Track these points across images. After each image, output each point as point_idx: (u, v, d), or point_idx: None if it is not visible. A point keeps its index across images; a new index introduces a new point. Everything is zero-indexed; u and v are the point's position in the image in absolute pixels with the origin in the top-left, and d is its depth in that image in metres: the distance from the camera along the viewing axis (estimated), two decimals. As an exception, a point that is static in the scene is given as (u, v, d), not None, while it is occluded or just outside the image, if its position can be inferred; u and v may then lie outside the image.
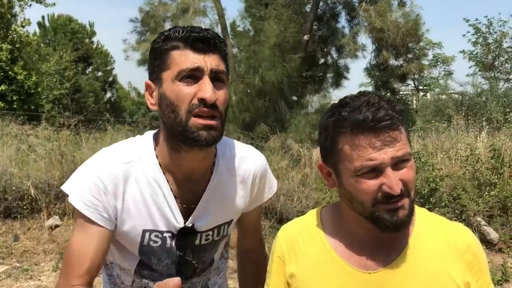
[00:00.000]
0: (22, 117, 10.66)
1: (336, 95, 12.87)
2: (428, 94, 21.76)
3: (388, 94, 13.51)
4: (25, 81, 15.72)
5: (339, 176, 1.13)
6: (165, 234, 1.31)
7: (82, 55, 25.17)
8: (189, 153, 1.24)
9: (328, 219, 1.26)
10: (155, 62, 1.23)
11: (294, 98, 11.75)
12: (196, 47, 1.19)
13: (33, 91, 16.17)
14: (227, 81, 1.25)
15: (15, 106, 14.98)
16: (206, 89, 1.16)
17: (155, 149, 1.30)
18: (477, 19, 18.24)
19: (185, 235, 1.33)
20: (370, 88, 16.84)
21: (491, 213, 5.74)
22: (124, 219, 1.28)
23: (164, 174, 1.29)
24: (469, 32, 17.87)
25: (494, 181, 5.97)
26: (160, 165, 1.29)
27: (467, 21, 17.70)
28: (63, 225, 5.99)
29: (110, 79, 28.00)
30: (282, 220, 5.80)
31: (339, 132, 1.09)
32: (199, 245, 1.38)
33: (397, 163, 1.06)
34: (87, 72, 26.56)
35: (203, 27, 1.28)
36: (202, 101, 1.16)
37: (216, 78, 1.20)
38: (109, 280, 1.47)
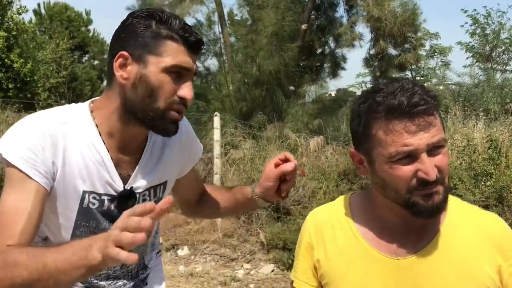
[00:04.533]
0: (18, 105, 10.62)
1: (333, 85, 12.86)
2: (425, 85, 21.71)
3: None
4: (21, 69, 15.64)
5: (372, 163, 1.12)
6: (103, 197, 1.32)
7: (78, 44, 25.04)
8: (136, 127, 1.30)
9: (357, 205, 1.26)
10: (140, 38, 1.23)
11: (292, 87, 11.72)
12: (191, 49, 1.25)
13: (29, 79, 16.09)
14: None
15: (11, 94, 14.90)
16: (190, 91, 1.25)
17: (93, 116, 1.31)
18: (475, 10, 18.23)
19: (124, 198, 1.35)
20: (368, 78, 16.84)
21: (487, 203, 5.76)
22: (64, 177, 1.25)
23: (103, 140, 1.30)
24: (467, 23, 17.81)
25: (491, 172, 5.98)
26: (99, 132, 1.30)
27: (465, 11, 17.69)
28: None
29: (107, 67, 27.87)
30: (278, 209, 5.81)
31: (373, 118, 1.07)
32: None
33: (432, 149, 1.05)
34: (83, 60, 26.43)
35: (190, 18, 1.32)
36: (182, 99, 1.25)
37: (192, 79, 1.29)
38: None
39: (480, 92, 13.30)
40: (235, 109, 10.82)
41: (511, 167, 6.21)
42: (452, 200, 1.20)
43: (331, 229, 1.25)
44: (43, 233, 1.36)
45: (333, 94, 19.89)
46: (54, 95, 18.04)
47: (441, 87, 17.49)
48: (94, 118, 1.31)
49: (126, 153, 1.35)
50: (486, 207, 5.76)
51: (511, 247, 1.14)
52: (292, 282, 1.34)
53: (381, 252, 1.15)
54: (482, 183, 5.95)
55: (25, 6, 16.57)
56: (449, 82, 18.42)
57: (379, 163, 1.09)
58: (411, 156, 1.04)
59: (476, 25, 17.57)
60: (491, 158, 6.22)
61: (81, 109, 1.33)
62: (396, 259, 1.14)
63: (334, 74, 12.83)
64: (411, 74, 20.04)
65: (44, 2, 25.28)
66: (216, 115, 6.82)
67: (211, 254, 5.40)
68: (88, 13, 26.61)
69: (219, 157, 6.53)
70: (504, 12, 17.51)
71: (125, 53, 1.23)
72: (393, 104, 1.03)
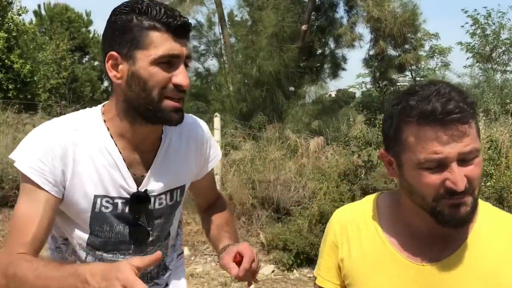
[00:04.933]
0: (18, 106, 10.62)
1: (333, 85, 12.87)
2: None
3: (386, 84, 13.52)
4: (21, 69, 15.64)
5: (401, 167, 1.10)
6: (116, 200, 1.32)
7: (78, 44, 25.06)
8: (144, 126, 1.29)
9: (384, 206, 1.23)
10: (125, 35, 1.22)
11: (292, 88, 11.72)
12: (176, 34, 1.22)
13: (29, 80, 16.09)
14: None
15: (11, 95, 14.91)
16: (183, 76, 1.23)
17: (104, 119, 1.32)
18: (475, 10, 18.23)
19: (138, 200, 1.34)
20: (368, 79, 16.83)
21: (487, 204, 5.76)
22: (74, 185, 1.27)
23: (115, 143, 1.31)
24: (467, 23, 17.81)
25: (491, 172, 5.98)
26: (111, 134, 1.31)
27: (466, 12, 17.68)
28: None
29: (107, 68, 27.85)
30: (278, 210, 5.81)
31: (405, 122, 1.04)
32: (153, 210, 1.39)
33: (464, 159, 1.01)
34: (83, 61, 26.44)
35: (190, 19, 1.31)
36: (178, 86, 1.23)
37: (185, 63, 1.26)
38: (57, 254, 1.45)
39: (480, 93, 13.31)
40: (235, 110, 10.83)
41: (511, 168, 6.21)
42: (483, 206, 1.16)
43: (356, 229, 1.23)
44: (64, 234, 1.39)
45: (333, 94, 19.91)
46: (54, 96, 18.05)
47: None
48: (105, 121, 1.32)
49: (140, 153, 1.34)
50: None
51: None
52: (315, 278, 1.33)
53: (406, 257, 1.14)
54: (482, 184, 5.95)
55: (26, 7, 16.61)
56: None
57: (408, 168, 1.07)
58: (441, 165, 1.01)
59: (477, 25, 17.57)
60: (491, 158, 6.22)
61: (93, 113, 1.34)
62: (421, 265, 1.12)
63: (334, 74, 12.84)
64: (411, 74, 20.04)
65: (44, 3, 25.33)
66: (216, 116, 6.82)
67: (211, 255, 5.39)
68: (88, 14, 26.67)
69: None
70: (504, 12, 17.53)
71: (114, 53, 1.23)
72: (427, 109, 1.00)
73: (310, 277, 4.87)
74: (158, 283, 1.53)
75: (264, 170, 6.31)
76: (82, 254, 1.39)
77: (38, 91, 17.38)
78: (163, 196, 1.40)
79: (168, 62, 1.22)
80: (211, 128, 7.16)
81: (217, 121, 6.69)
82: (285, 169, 6.32)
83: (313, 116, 11.25)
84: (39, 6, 25.14)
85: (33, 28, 18.71)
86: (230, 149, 7.61)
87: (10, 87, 15.52)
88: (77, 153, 1.27)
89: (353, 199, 5.22)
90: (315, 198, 5.44)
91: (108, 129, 1.31)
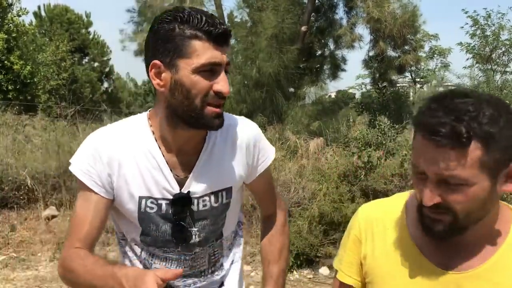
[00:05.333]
0: (18, 107, 10.63)
1: (333, 86, 12.87)
2: (425, 86, 21.74)
3: (386, 85, 13.53)
4: (21, 71, 15.65)
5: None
6: (160, 201, 1.39)
7: (78, 46, 25.07)
8: (186, 130, 1.34)
9: (412, 205, 1.19)
10: (168, 44, 1.25)
11: (291, 89, 11.72)
12: (217, 42, 1.25)
13: (29, 81, 16.11)
14: None
15: (11, 96, 14.92)
16: (224, 84, 1.26)
17: (150, 124, 1.39)
18: (475, 11, 18.23)
19: (181, 201, 1.39)
20: (368, 80, 16.83)
21: (487, 205, 5.76)
22: (121, 187, 1.37)
23: (159, 146, 1.38)
24: (467, 24, 17.81)
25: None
26: (155, 138, 1.38)
27: (466, 12, 17.66)
28: (60, 215, 5.99)
29: (107, 69, 27.88)
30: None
31: (414, 124, 1.04)
32: (197, 211, 1.43)
33: (446, 182, 0.98)
34: (83, 62, 26.45)
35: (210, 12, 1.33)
36: (219, 93, 1.26)
37: (226, 70, 1.29)
38: (124, 257, 1.55)
39: (480, 94, 13.30)
40: (235, 111, 10.82)
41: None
42: None
43: (382, 228, 1.21)
44: (121, 230, 1.50)
45: (333, 95, 19.90)
46: (54, 97, 18.05)
47: (440, 89, 17.50)
48: (150, 125, 1.39)
49: (183, 155, 1.39)
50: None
51: None
52: (336, 272, 1.31)
53: (431, 262, 1.11)
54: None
55: (25, 8, 16.65)
56: (449, 84, 18.43)
57: (412, 173, 1.08)
58: (422, 177, 1.02)
59: (476, 26, 17.57)
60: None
61: (140, 118, 1.42)
62: (445, 271, 1.09)
63: (334, 75, 12.86)
64: (411, 75, 20.05)
65: (44, 4, 25.41)
66: (216, 117, 6.80)
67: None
68: (88, 15, 26.66)
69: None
70: (504, 13, 17.54)
71: (157, 61, 1.27)
72: (425, 122, 0.98)
73: (310, 278, 4.87)
74: (213, 281, 1.57)
75: (264, 171, 6.30)
76: (138, 250, 1.49)
77: (38, 92, 17.40)
78: (206, 198, 1.43)
79: (210, 70, 1.25)
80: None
81: (217, 122, 6.67)
82: (285, 170, 6.32)
83: (312, 117, 11.24)
84: (39, 7, 25.15)
85: (33, 29, 18.74)
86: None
87: (10, 88, 15.55)
88: (122, 157, 1.36)
89: (352, 200, 5.21)
90: (315, 199, 5.43)
91: (153, 133, 1.38)
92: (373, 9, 10.67)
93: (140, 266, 1.49)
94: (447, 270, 1.09)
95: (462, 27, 17.53)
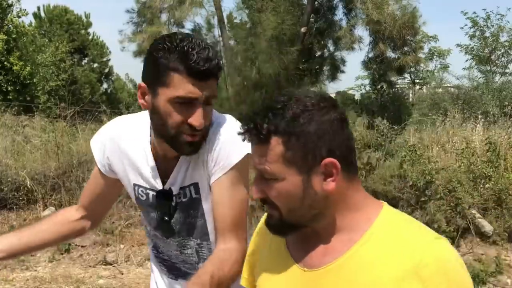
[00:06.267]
0: (17, 107, 10.63)
1: (332, 88, 12.88)
2: (424, 88, 21.77)
3: (385, 87, 13.53)
4: (21, 71, 15.67)
5: None
6: (147, 191, 1.53)
7: (78, 46, 25.05)
8: (166, 144, 1.43)
9: None
10: (153, 69, 1.31)
11: (291, 90, 11.72)
12: (198, 78, 1.27)
13: (28, 82, 16.12)
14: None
15: (10, 97, 14.92)
16: (198, 118, 1.30)
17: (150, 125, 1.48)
18: (474, 13, 18.23)
19: (163, 196, 1.50)
20: (367, 81, 16.84)
21: (486, 206, 5.77)
22: (121, 170, 1.55)
23: (151, 148, 1.49)
24: (466, 25, 17.84)
25: (490, 174, 5.99)
26: (150, 141, 1.49)
27: (465, 14, 17.68)
28: (59, 216, 5.98)
29: (106, 70, 27.88)
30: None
31: None
32: (174, 207, 1.53)
33: (263, 177, 1.03)
34: (83, 63, 26.44)
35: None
36: (192, 127, 1.31)
37: (208, 102, 1.33)
38: (148, 236, 1.74)
39: (479, 95, 13.34)
40: (235, 112, 10.82)
41: (510, 170, 6.22)
42: (389, 220, 1.04)
43: (264, 230, 1.23)
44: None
45: (332, 96, 19.91)
46: (54, 98, 18.02)
47: (440, 90, 17.52)
48: (150, 128, 1.48)
49: (167, 160, 1.47)
50: (485, 209, 5.77)
51: (433, 280, 0.94)
52: None
53: (293, 259, 1.10)
54: (481, 186, 5.96)
55: (25, 9, 16.67)
56: (448, 85, 18.45)
57: None
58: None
59: (476, 27, 17.60)
60: (490, 160, 6.23)
61: (147, 118, 1.48)
62: (306, 270, 1.07)
63: (333, 77, 12.85)
64: (410, 76, 20.07)
65: (44, 5, 25.33)
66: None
67: (211, 256, 5.39)
68: (87, 16, 26.66)
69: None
70: (503, 15, 17.58)
71: (142, 84, 1.36)
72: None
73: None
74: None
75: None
76: (149, 229, 1.65)
77: (37, 93, 17.41)
78: (181, 192, 1.50)
79: (186, 103, 1.29)
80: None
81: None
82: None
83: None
84: (38, 8, 25.14)
85: (32, 30, 18.75)
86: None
87: (10, 89, 15.56)
88: (127, 146, 1.51)
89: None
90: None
91: (150, 136, 1.49)
92: (372, 10, 10.68)
93: (151, 245, 1.70)
94: (308, 268, 1.07)
95: (462, 28, 17.58)
